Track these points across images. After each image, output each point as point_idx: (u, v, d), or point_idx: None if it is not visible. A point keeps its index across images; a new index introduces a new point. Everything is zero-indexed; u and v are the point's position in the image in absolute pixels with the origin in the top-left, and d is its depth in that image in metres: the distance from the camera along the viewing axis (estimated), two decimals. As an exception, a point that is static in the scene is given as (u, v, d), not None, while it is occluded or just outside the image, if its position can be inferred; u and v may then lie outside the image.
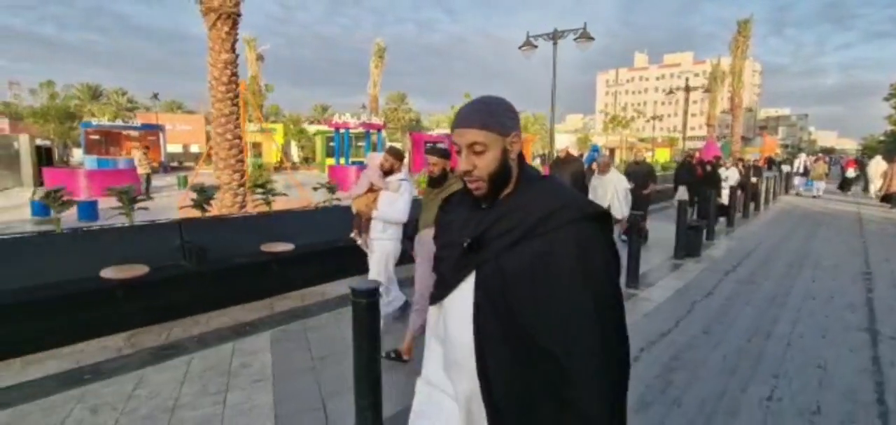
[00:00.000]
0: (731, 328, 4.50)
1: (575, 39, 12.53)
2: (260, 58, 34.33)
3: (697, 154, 13.06)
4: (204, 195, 7.36)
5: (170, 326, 4.28)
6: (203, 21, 8.30)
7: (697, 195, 9.87)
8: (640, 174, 8.56)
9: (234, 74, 8.59)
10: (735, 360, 3.75)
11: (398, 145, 8.71)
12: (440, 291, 1.14)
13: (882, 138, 31.05)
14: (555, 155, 6.86)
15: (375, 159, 4.10)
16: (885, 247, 8.80)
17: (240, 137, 8.91)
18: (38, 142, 19.00)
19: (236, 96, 8.75)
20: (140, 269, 4.20)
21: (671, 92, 29.90)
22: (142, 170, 15.07)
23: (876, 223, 11.97)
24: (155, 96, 60.43)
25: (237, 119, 8.75)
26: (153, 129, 28.88)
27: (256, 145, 30.47)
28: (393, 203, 3.83)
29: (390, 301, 4.20)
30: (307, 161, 37.91)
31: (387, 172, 3.93)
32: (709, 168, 10.53)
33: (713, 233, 9.08)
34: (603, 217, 1.02)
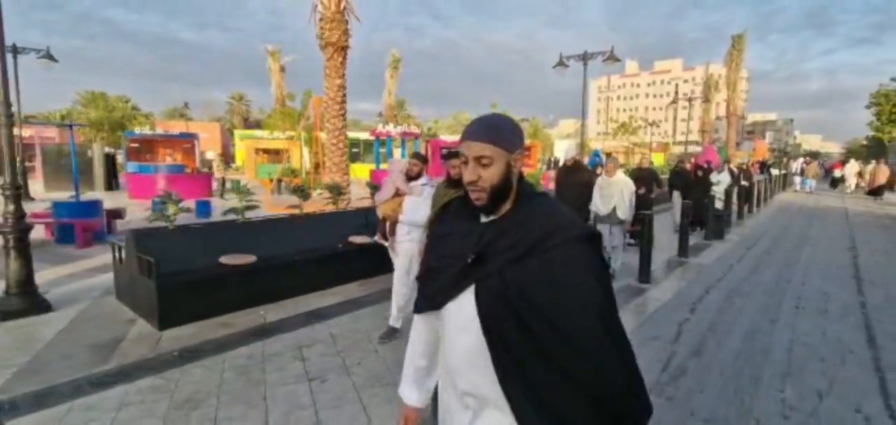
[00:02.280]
0: (760, 282, 6.56)
1: (603, 61, 14.62)
2: (282, 69, 36.14)
3: (693, 159, 15.06)
4: (336, 191, 9.23)
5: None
6: (321, 53, 10.23)
7: (691, 199, 9.86)
8: (645, 178, 8.76)
9: (345, 96, 10.53)
10: (770, 292, 5.81)
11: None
12: (436, 300, 1.17)
13: (865, 142, 33.67)
14: (562, 162, 7.52)
15: (398, 164, 4.25)
16: (865, 230, 11.00)
17: (345, 146, 10.82)
18: (106, 149, 20.62)
19: (345, 114, 10.67)
20: (364, 239, 6.14)
21: (674, 101, 32.16)
22: (219, 174, 16.84)
23: (858, 213, 14.27)
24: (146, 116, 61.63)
25: (345, 130, 10.67)
26: (188, 138, 30.49)
27: (278, 152, 32.28)
28: (417, 207, 3.94)
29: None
30: (317, 168, 39.64)
31: (413, 177, 4.07)
32: (701, 172, 11.25)
33: (723, 228, 11.15)
34: (594, 237, 1.10)
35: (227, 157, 54.80)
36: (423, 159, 4.19)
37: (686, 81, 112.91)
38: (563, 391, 1.01)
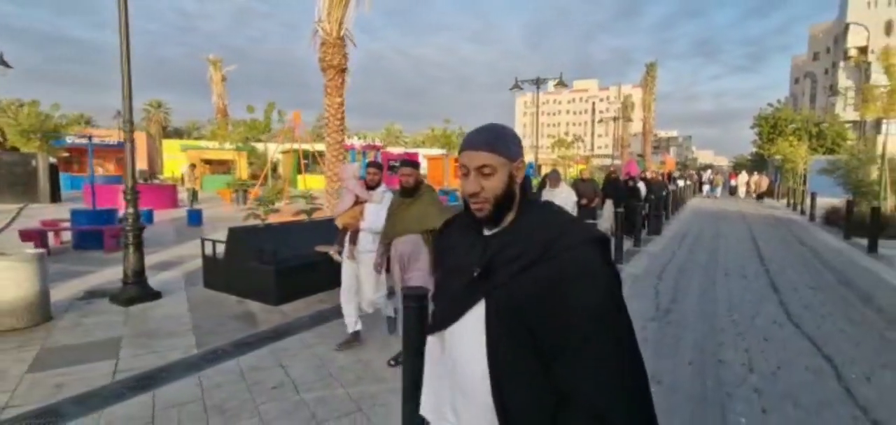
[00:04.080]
0: (697, 262, 8.79)
1: (554, 85, 16.92)
2: (224, 79, 35.33)
3: (625, 171, 17.82)
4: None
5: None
6: (323, 74, 11.28)
7: (623, 207, 11.01)
8: (587, 190, 9.24)
9: (343, 113, 11.62)
10: (706, 268, 7.98)
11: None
12: (445, 319, 1.12)
13: (749, 157, 39.95)
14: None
15: (350, 169, 4.28)
16: (757, 225, 14.08)
17: (345, 157, 11.89)
18: (51, 160, 19.40)
19: (344, 129, 11.76)
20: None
21: (601, 121, 36.09)
22: (190, 185, 16.87)
23: (750, 214, 17.78)
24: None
25: (343, 144, 11.75)
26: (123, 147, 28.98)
27: (226, 162, 31.64)
28: (379, 214, 3.97)
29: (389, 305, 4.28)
30: (256, 178, 38.98)
31: (373, 187, 4.10)
32: (631, 183, 12.67)
33: (658, 227, 13.69)
34: (603, 240, 1.05)
35: (153, 168, 51.56)
36: (381, 167, 4.24)
37: (602, 99, 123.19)
38: (560, 407, 0.98)
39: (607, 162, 50.56)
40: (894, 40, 53.56)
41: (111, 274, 7.06)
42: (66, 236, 9.23)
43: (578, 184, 9.35)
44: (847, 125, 32.23)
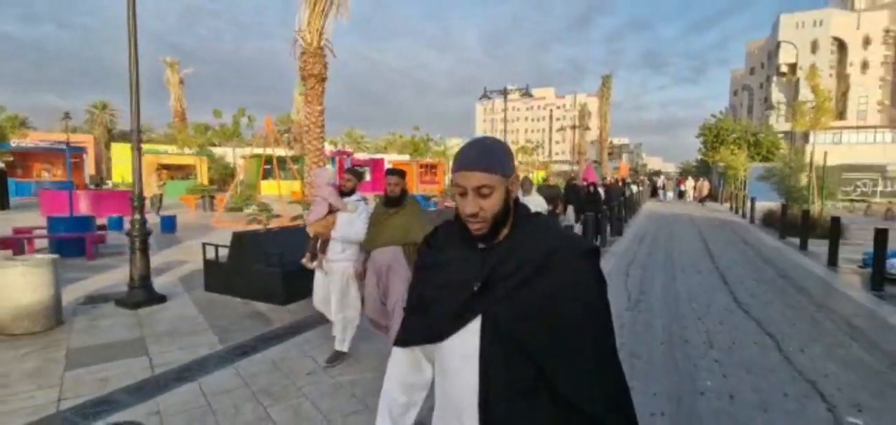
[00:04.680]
0: (657, 259, 9.73)
1: (521, 95, 17.78)
2: (182, 82, 34.28)
3: (582, 177, 19.00)
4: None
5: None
6: (303, 83, 11.52)
7: (583, 212, 11.15)
8: (552, 195, 9.63)
9: (323, 121, 11.89)
10: (664, 265, 8.89)
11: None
12: (437, 332, 1.10)
13: (695, 164, 42.81)
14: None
15: (324, 175, 4.14)
16: (704, 226, 15.45)
17: (324, 164, 12.13)
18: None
19: (324, 136, 12.02)
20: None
21: (562, 128, 37.66)
22: (158, 191, 16.48)
23: (697, 216, 19.34)
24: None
25: (323, 150, 12.01)
26: (77, 151, 27.69)
27: (185, 167, 30.67)
28: (352, 223, 3.89)
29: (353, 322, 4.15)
30: (213, 183, 37.96)
31: (346, 193, 3.99)
32: (592, 189, 13.34)
33: (620, 228, 14.77)
34: (595, 252, 1.08)
35: (100, 173, 48.89)
36: (358, 175, 4.16)
37: (558, 107, 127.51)
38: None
39: (566, 168, 52.67)
40: (820, 58, 58.82)
41: (103, 280, 7.11)
42: (42, 244, 9.04)
43: (543, 190, 9.58)
44: (780, 135, 35.25)
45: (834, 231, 9.23)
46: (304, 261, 4.41)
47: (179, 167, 31.54)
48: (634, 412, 1.05)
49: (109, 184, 36.68)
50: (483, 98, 18.45)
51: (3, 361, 4.06)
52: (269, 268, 5.84)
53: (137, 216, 5.77)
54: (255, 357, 4.24)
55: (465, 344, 1.06)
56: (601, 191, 13.68)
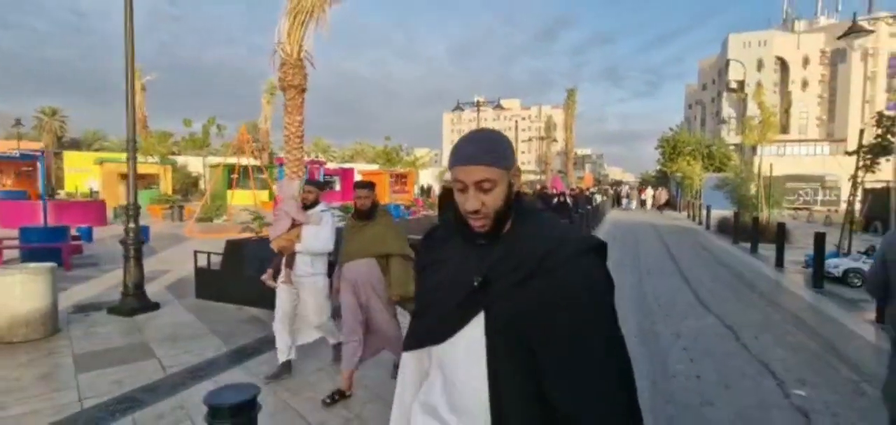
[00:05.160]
0: (625, 263, 10.41)
1: (494, 108, 18.40)
2: (144, 88, 33.21)
3: (551, 187, 19.85)
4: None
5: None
6: (284, 93, 11.64)
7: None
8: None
9: (303, 132, 12.01)
10: (632, 268, 9.54)
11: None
12: (438, 334, 1.07)
13: (654, 174, 44.90)
14: (442, 186, 7.48)
15: (288, 188, 4.01)
16: (667, 234, 16.45)
17: (304, 176, 12.23)
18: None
19: (302, 146, 12.14)
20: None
21: (529, 139, 38.74)
22: (123, 202, 16.04)
23: (657, 223, 20.48)
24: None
25: (302, 160, 12.13)
26: (31, 158, 26.39)
27: (148, 176, 29.68)
28: (317, 234, 3.79)
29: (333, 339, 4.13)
30: (176, 192, 36.91)
31: (309, 205, 3.86)
32: (562, 198, 14.61)
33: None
34: (601, 248, 1.04)
35: (51, 182, 46.38)
36: (320, 185, 4.05)
37: (524, 118, 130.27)
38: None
39: (533, 178, 53.97)
40: (764, 76, 62.90)
41: (85, 290, 7.07)
42: (11, 254, 8.79)
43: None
44: (732, 147, 37.55)
45: (779, 236, 10.16)
46: (264, 277, 4.15)
47: (141, 176, 30.52)
48: (634, 419, 0.98)
49: (61, 193, 35.01)
50: (456, 109, 18.97)
51: (9, 367, 4.11)
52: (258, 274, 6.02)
53: (132, 225, 5.84)
54: (263, 356, 4.44)
55: (470, 344, 1.01)
56: (570, 200, 14.60)
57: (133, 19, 5.81)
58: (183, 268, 8.58)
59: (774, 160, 18.82)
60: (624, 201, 35.74)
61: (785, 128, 61.56)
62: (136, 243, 5.83)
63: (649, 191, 36.04)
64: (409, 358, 1.20)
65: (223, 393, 1.92)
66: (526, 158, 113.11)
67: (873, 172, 8.97)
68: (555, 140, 43.36)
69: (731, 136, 47.99)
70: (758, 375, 4.22)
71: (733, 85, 65.99)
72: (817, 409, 3.54)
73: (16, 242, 8.88)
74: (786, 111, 64.34)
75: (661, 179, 40.30)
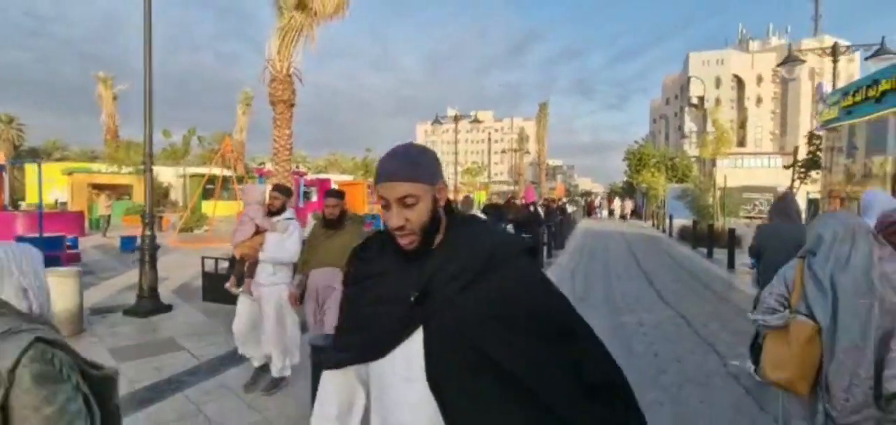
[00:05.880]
0: (595, 267, 11.32)
1: (470, 122, 19.26)
2: (115, 98, 32.69)
3: (522, 197, 20.72)
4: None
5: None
6: (273, 108, 12.13)
7: (523, 230, 10.41)
8: (501, 216, 10.08)
9: (292, 145, 12.50)
10: (602, 273, 10.45)
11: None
12: (374, 350, 1.03)
13: (622, 185, 46.90)
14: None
15: (253, 194, 3.91)
16: (634, 241, 17.62)
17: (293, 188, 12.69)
18: None
19: (291, 158, 12.61)
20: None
21: (504, 151, 39.91)
22: (106, 212, 16.07)
23: (624, 231, 21.75)
24: None
25: (291, 172, 12.59)
26: (-5, 170, 25.56)
27: (122, 187, 29.19)
28: (282, 243, 3.68)
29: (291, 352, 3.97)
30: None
31: (275, 212, 3.77)
32: (532, 208, 14.25)
33: (562, 242, 16.46)
34: (535, 249, 1.09)
35: (12, 194, 44.53)
36: (287, 192, 3.95)
37: (497, 130, 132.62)
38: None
39: (505, 188, 55.31)
40: (722, 93, 66.43)
41: (93, 295, 7.39)
42: (6, 264, 8.95)
43: (490, 210, 9.92)
44: (693, 160, 39.71)
45: (731, 241, 11.31)
46: (227, 285, 4.10)
47: (115, 187, 29.99)
48: (619, 396, 1.01)
49: (23, 205, 33.88)
50: (434, 122, 19.75)
51: (53, 359, 4.55)
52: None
53: (148, 232, 6.29)
54: (283, 347, 5.01)
55: (409, 362, 0.99)
56: (542, 210, 14.97)
57: (151, 31, 6.29)
58: (180, 275, 8.97)
59: (732, 172, 20.37)
60: (597, 211, 38.08)
61: (742, 142, 65.16)
62: (152, 249, 6.28)
63: (617, 202, 37.91)
64: (333, 376, 1.13)
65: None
66: (499, 169, 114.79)
67: (806, 184, 10.18)
68: (527, 152, 44.80)
69: (693, 149, 50.55)
70: (704, 353, 5.08)
71: (694, 100, 69.49)
72: (746, 374, 4.39)
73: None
74: (742, 125, 68.13)
75: (628, 190, 42.19)
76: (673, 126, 79.15)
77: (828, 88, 8.79)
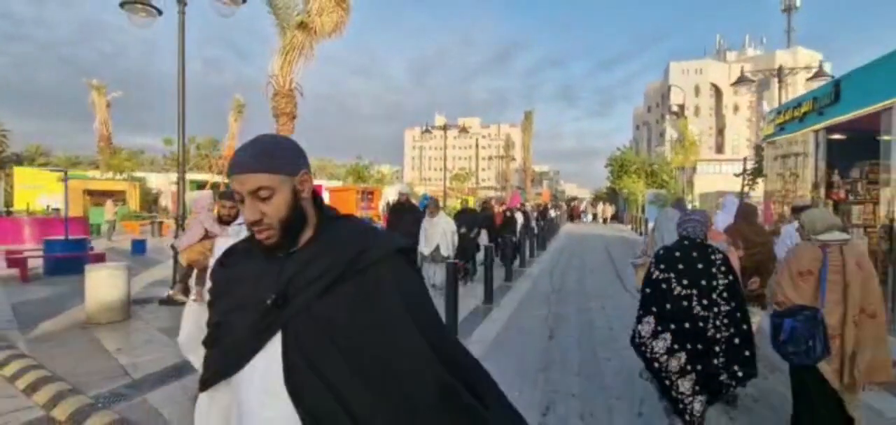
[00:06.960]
0: (573, 265, 12.47)
1: (458, 130, 20.32)
2: (109, 105, 33.12)
3: (503, 203, 21.80)
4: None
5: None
6: (275, 120, 13.07)
7: (498, 237, 11.16)
8: (468, 220, 9.43)
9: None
10: (580, 269, 11.60)
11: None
12: (228, 366, 0.96)
13: (605, 190, 48.50)
14: (391, 201, 8.50)
15: (204, 200, 3.53)
16: (612, 243, 18.87)
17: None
18: None
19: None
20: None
21: (491, 158, 41.12)
22: (110, 217, 16.79)
23: (604, 234, 23.07)
24: None
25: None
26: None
27: (118, 193, 29.64)
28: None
29: None
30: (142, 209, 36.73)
31: (228, 221, 3.50)
32: (509, 214, 13.35)
33: (545, 244, 17.61)
34: (409, 250, 1.03)
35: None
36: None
37: (484, 136, 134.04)
38: None
39: (493, 194, 56.53)
40: (701, 101, 68.75)
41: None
42: (33, 263, 9.75)
43: (461, 215, 9.87)
44: (670, 165, 41.51)
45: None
46: (172, 292, 3.92)
47: (111, 193, 30.43)
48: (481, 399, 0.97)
49: (13, 211, 34.03)
50: (425, 132, 20.78)
51: (116, 338, 5.48)
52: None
53: (181, 231, 7.22)
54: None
55: (267, 373, 0.92)
56: (519, 216, 14.13)
57: (184, 41, 7.24)
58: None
59: (711, 177, 21.73)
60: (582, 216, 39.83)
61: (720, 148, 67.46)
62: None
63: (600, 206, 39.69)
64: (204, 399, 1.03)
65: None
66: (486, 175, 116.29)
67: (753, 189, 11.45)
68: (513, 158, 46.16)
69: (672, 156, 52.48)
70: (652, 328, 6.20)
71: (675, 108, 71.92)
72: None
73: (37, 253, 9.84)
74: (720, 132, 70.55)
75: (611, 195, 43.77)
76: (655, 133, 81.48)
77: (766, 107, 10.05)
